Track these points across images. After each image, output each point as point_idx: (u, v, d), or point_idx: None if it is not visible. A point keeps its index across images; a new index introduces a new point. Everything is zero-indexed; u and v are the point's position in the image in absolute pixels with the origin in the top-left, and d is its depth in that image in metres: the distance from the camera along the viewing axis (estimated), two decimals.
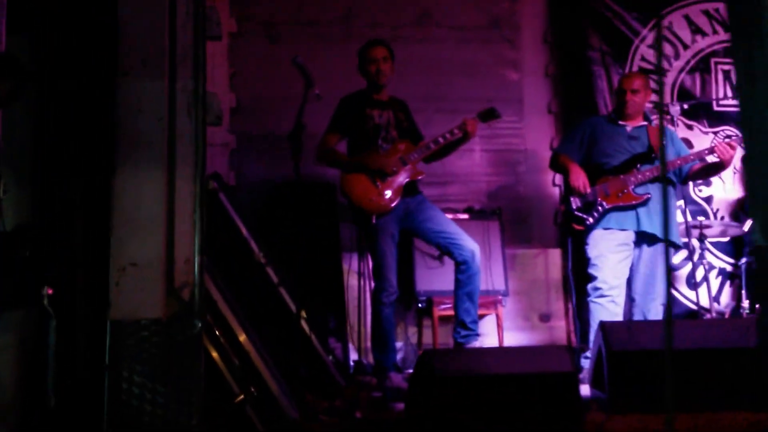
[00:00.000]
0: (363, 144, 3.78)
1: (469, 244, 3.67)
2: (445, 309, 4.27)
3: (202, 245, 2.28)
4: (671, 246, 3.90)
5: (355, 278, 4.65)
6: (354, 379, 3.98)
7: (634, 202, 3.77)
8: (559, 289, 5.12)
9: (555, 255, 5.11)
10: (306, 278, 3.51)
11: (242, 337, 2.42)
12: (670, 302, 4.42)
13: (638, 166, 3.83)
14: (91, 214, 2.33)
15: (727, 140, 3.76)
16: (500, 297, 4.38)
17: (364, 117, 3.78)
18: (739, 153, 4.06)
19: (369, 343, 4.62)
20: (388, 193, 3.66)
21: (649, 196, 3.76)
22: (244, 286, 3.24)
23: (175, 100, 2.31)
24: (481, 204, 4.72)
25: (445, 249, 3.75)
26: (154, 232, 2.25)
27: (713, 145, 3.82)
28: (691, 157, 3.85)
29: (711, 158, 3.83)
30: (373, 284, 3.79)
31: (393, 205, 3.66)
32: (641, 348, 2.82)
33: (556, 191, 5.15)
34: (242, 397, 2.35)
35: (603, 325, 2.94)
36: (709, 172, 3.99)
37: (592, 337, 3.93)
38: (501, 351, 2.75)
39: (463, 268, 3.67)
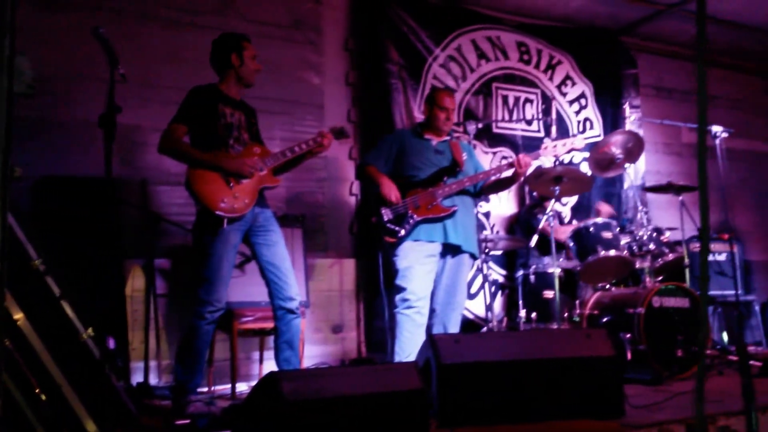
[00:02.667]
0: (211, 141, 3.39)
1: (294, 289, 3.45)
2: (246, 322, 3.95)
3: (2, 249, 1.76)
4: (471, 257, 4.03)
5: (138, 288, 4.18)
6: (145, 405, 3.52)
7: (442, 215, 3.84)
8: (353, 299, 5.08)
9: (350, 265, 5.06)
10: (84, 289, 3.00)
11: (50, 366, 1.92)
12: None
13: (445, 179, 3.92)
14: None
15: (523, 154, 3.97)
16: (303, 309, 4.16)
17: (216, 113, 3.40)
18: None
19: (154, 362, 4.17)
20: (243, 197, 3.32)
21: (456, 208, 3.87)
22: (23, 299, 2.63)
23: None
24: (280, 210, 4.48)
25: (268, 285, 3.47)
26: None
27: (512, 159, 4.02)
28: (493, 171, 4.03)
29: (509, 172, 4.05)
30: (199, 295, 3.31)
31: (247, 210, 3.32)
32: (472, 360, 2.84)
33: (353, 200, 5.12)
34: None
35: (432, 338, 2.90)
36: (502, 185, 4.21)
37: (396, 348, 3.93)
38: (350, 371, 2.58)
39: (280, 314, 3.44)
